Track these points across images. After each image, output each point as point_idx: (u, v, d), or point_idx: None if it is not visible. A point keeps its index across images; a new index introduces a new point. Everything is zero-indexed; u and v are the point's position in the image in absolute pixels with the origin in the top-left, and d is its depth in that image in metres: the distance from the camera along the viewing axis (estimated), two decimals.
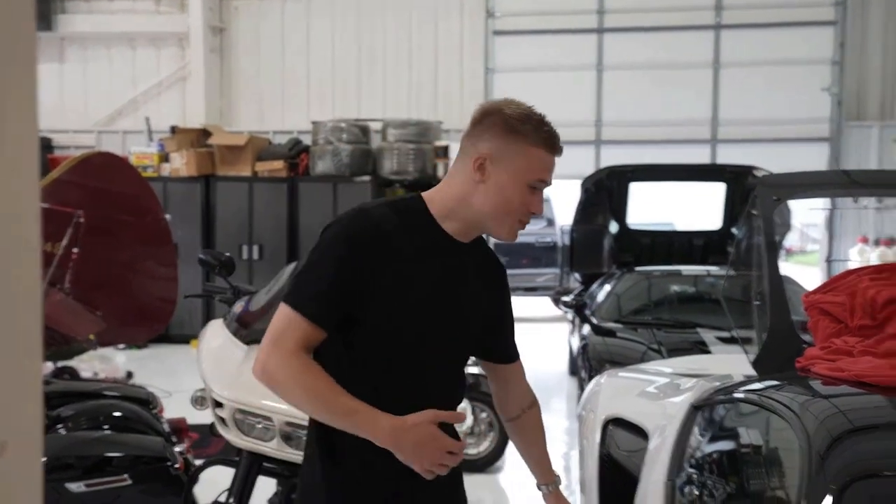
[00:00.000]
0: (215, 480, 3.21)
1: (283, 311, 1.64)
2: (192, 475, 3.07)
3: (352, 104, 10.95)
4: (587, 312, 6.26)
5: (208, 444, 5.01)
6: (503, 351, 1.90)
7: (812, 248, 20.47)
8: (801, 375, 1.98)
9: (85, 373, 6.27)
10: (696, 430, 2.18)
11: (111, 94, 11.29)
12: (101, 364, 6.92)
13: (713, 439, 2.09)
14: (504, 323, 1.88)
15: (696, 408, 2.29)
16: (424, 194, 1.77)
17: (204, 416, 3.18)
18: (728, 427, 2.09)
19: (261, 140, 10.01)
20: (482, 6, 10.92)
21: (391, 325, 1.68)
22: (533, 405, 1.95)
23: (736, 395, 2.10)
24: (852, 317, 2.12)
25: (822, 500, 1.38)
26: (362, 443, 1.64)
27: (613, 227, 7.41)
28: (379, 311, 1.67)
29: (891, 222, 9.56)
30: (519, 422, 1.95)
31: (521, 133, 1.66)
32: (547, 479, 1.94)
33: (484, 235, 1.84)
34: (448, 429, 1.72)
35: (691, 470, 2.04)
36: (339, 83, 11.15)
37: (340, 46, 11.15)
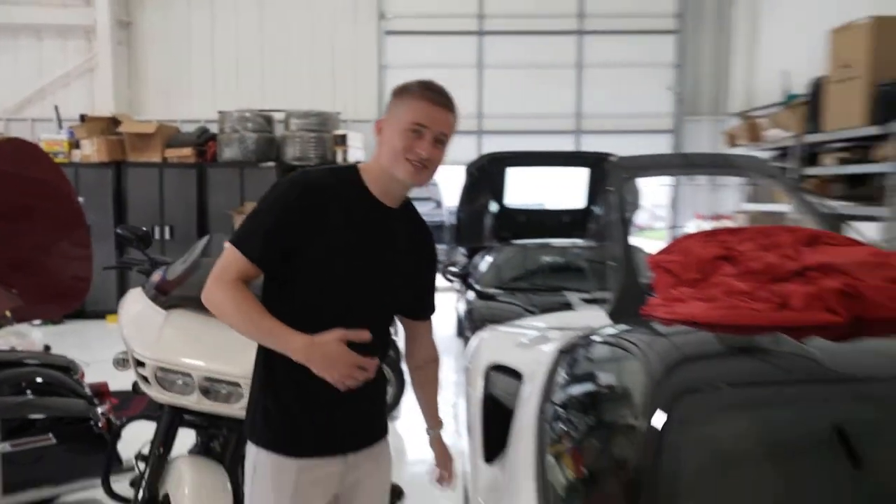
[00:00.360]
0: (137, 438, 3.14)
1: (228, 249, 1.73)
2: (115, 432, 3.00)
3: (256, 95, 10.66)
4: (471, 281, 6.42)
5: (128, 407, 4.86)
6: (419, 308, 1.98)
7: (659, 226, 21.53)
8: (646, 320, 2.13)
9: (2, 348, 5.92)
10: (561, 369, 2.32)
11: (18, 83, 10.52)
12: (17, 339, 6.52)
13: (576, 375, 2.23)
14: (425, 283, 1.95)
15: (562, 352, 2.43)
16: (359, 164, 1.84)
17: (124, 382, 3.10)
18: (588, 365, 2.24)
19: (169, 128, 9.62)
20: (375, 8, 10.84)
21: (322, 277, 1.74)
22: (435, 361, 2.04)
23: (594, 338, 2.26)
24: (685, 272, 2.29)
25: (656, 415, 1.50)
26: (297, 375, 1.71)
27: (494, 207, 7.57)
28: (312, 264, 1.73)
29: (721, 201, 10.20)
30: (421, 372, 2.04)
31: (404, 92, 1.77)
32: (434, 424, 2.06)
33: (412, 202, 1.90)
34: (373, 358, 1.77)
35: (558, 401, 2.18)
36: (244, 75, 10.83)
37: (244, 40, 10.83)
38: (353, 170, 1.82)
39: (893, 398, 1.45)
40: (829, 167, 6.74)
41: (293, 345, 1.66)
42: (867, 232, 3.21)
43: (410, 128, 1.73)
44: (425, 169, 1.75)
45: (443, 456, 2.07)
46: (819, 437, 1.46)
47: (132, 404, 4.90)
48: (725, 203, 9.97)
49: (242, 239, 1.73)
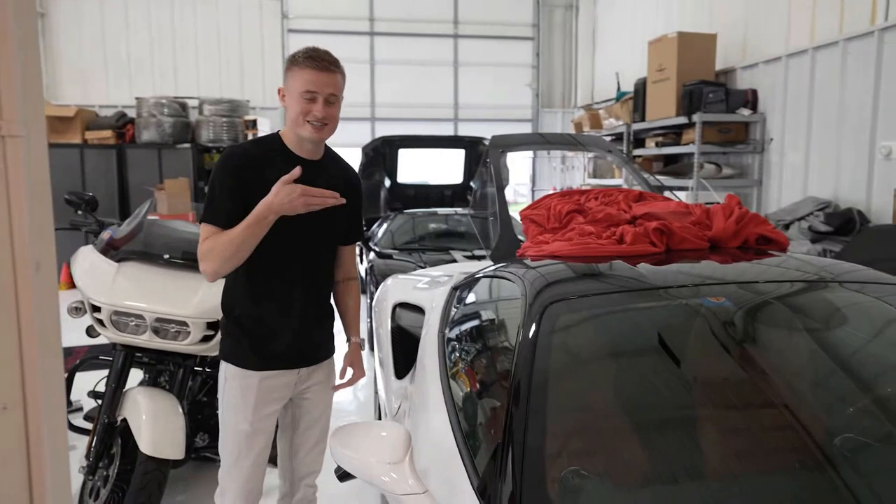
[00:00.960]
0: (83, 385, 3.05)
1: (203, 228, 1.77)
2: (67, 378, 2.90)
3: (169, 82, 10.07)
4: (371, 244, 6.48)
5: (67, 361, 4.63)
6: (346, 235, 2.02)
7: (521, 200, 22.27)
8: (520, 258, 2.32)
9: None
10: (456, 300, 2.48)
11: None
12: None
13: (467, 304, 2.39)
14: (350, 214, 1.99)
15: (454, 288, 2.59)
16: (279, 132, 1.89)
17: (67, 338, 2.98)
18: (477, 295, 2.40)
19: (88, 113, 8.92)
20: (278, 9, 10.47)
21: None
22: (354, 279, 2.10)
23: (479, 275, 2.43)
24: (548, 222, 2.51)
25: (530, 325, 1.64)
26: (257, 307, 1.81)
27: (387, 182, 7.63)
28: (255, 209, 1.77)
29: (572, 177, 10.73)
30: (341, 287, 2.08)
31: (293, 63, 1.81)
32: (353, 333, 2.10)
33: (335, 152, 1.95)
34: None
35: (453, 328, 2.32)
36: (157, 64, 10.17)
37: (156, 33, 10.14)
38: (275, 136, 1.88)
39: (694, 300, 1.72)
40: (650, 149, 7.29)
41: (265, 216, 1.70)
42: (679, 197, 3.57)
43: (304, 95, 1.77)
44: (325, 126, 1.81)
45: (355, 357, 2.06)
46: (646, 333, 1.70)
47: (69, 359, 4.67)
48: (574, 179, 10.52)
49: (209, 215, 1.77)
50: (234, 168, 1.79)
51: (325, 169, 1.92)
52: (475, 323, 2.22)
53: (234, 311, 1.89)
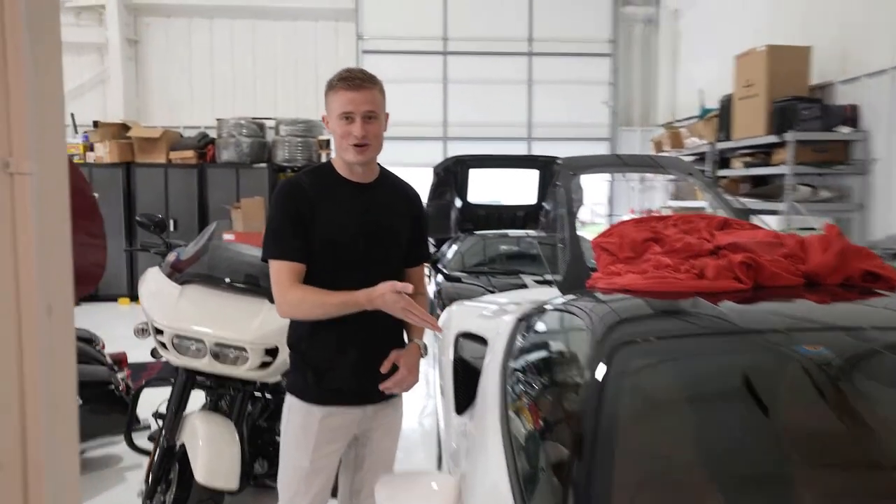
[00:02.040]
0: (151, 401, 3.13)
1: (272, 266, 1.81)
2: (135, 394, 2.98)
3: (249, 104, 10.52)
4: (440, 266, 6.45)
5: (140, 377, 4.81)
6: (409, 256, 2.00)
7: (598, 221, 21.82)
8: (589, 291, 2.19)
9: None
10: (520, 334, 2.37)
11: None
12: None
13: (532, 338, 2.28)
14: (413, 236, 1.97)
15: (520, 319, 2.49)
16: (332, 158, 1.90)
17: (136, 355, 3.06)
18: (542, 329, 2.30)
19: (173, 133, 9.45)
20: (353, 32, 10.77)
21: (328, 249, 1.82)
22: (422, 295, 2.03)
23: (548, 307, 2.31)
24: (621, 251, 2.37)
25: (598, 367, 1.54)
26: (325, 341, 1.83)
27: (458, 203, 7.61)
28: (319, 242, 1.81)
29: (650, 198, 10.40)
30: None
31: (329, 88, 1.83)
32: (415, 335, 2.00)
33: (394, 173, 1.95)
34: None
35: (517, 361, 2.22)
36: (239, 87, 10.67)
37: (238, 57, 10.65)
38: (327, 164, 1.90)
39: (787, 346, 1.54)
40: (737, 169, 6.93)
41: (361, 304, 1.74)
42: (769, 223, 3.33)
43: (341, 117, 1.78)
44: (367, 146, 1.80)
45: (409, 356, 1.92)
46: (730, 380, 1.54)
47: (143, 374, 4.86)
48: (654, 200, 10.17)
49: (276, 251, 1.80)
50: (292, 202, 1.81)
51: (381, 191, 1.91)
52: (539, 361, 2.12)
53: (298, 344, 1.91)
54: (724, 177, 7.14)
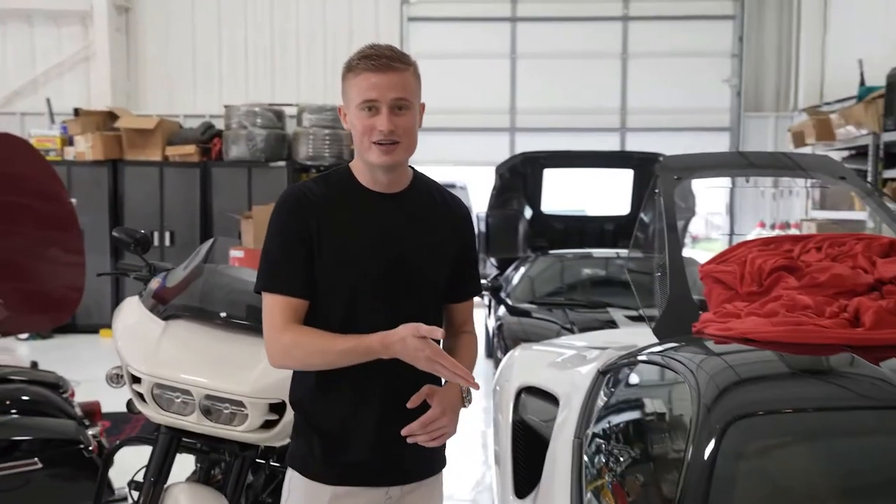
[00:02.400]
0: (131, 463, 3.18)
1: (265, 300, 1.81)
2: (107, 456, 3.03)
3: (265, 88, 10.80)
4: (502, 295, 6.41)
5: (122, 430, 4.93)
6: (453, 289, 1.94)
7: (716, 235, 21.34)
8: (696, 337, 2.13)
9: None
10: (602, 392, 2.32)
11: (7, 73, 10.76)
12: (1, 355, 6.67)
13: (617, 398, 2.23)
14: (456, 261, 1.92)
15: (602, 372, 2.43)
16: (351, 163, 1.90)
17: (117, 402, 3.13)
18: (630, 387, 2.23)
19: (171, 124, 9.78)
20: None
21: (337, 279, 1.81)
22: (469, 334, 2.00)
23: (638, 358, 2.25)
24: (742, 284, 2.30)
25: (706, 444, 1.51)
26: (336, 398, 1.81)
27: (528, 213, 7.59)
28: (327, 270, 1.80)
29: (788, 207, 10.10)
30: (448, 344, 1.97)
31: (347, 71, 1.81)
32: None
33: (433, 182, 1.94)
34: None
35: (597, 429, 2.18)
36: (252, 66, 10.97)
37: (253, 29, 10.97)
38: (344, 170, 1.89)
39: None
40: None
41: (375, 351, 1.72)
42: None
43: (362, 107, 1.76)
44: (395, 144, 1.77)
45: (446, 396, 1.82)
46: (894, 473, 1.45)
47: (126, 427, 4.97)
48: (792, 210, 9.88)
49: (270, 282, 1.81)
50: (294, 218, 1.80)
51: (414, 203, 1.87)
52: (627, 430, 2.07)
53: (302, 402, 1.89)
54: (892, 179, 6.87)
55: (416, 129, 1.81)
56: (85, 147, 9.19)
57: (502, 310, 6.12)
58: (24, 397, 3.54)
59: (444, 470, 2.00)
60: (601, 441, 2.11)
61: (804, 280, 2.15)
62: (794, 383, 1.68)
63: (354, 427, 1.83)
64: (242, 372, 2.50)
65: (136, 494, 2.73)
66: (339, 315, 1.80)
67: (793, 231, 9.03)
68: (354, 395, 1.82)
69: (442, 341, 1.94)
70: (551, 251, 6.95)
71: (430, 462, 1.95)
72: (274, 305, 1.79)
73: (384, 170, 1.81)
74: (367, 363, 1.78)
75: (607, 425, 2.16)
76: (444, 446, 1.95)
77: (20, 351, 7.85)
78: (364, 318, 1.80)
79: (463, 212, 1.96)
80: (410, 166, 1.92)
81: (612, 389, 2.28)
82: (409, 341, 1.68)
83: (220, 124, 9.70)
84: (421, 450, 1.86)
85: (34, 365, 6.63)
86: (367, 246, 1.81)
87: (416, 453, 1.87)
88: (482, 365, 7.66)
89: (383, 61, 1.75)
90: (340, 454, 1.84)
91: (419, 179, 1.92)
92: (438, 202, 1.92)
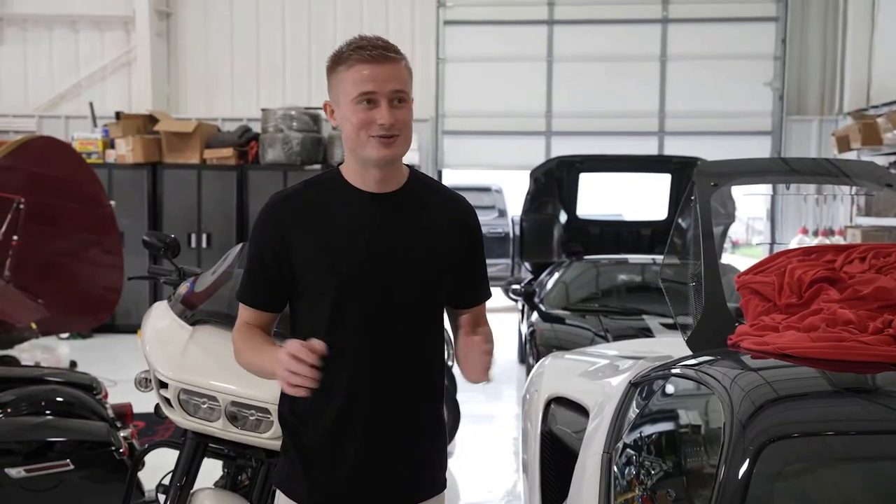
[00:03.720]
0: (163, 465, 3.20)
1: (239, 309, 1.85)
2: (137, 459, 3.05)
3: (302, 91, 10.87)
4: (536, 300, 6.36)
5: (154, 432, 4.98)
6: (460, 294, 1.84)
7: (757, 241, 21.03)
8: (732, 351, 2.07)
9: (26, 363, 6.17)
10: (633, 404, 2.26)
11: (52, 77, 11.02)
12: (42, 353, 6.81)
13: (648, 412, 2.17)
14: (463, 271, 1.82)
15: (633, 384, 2.37)
16: (341, 165, 1.81)
17: (151, 404, 3.15)
18: (662, 401, 2.18)
19: (209, 127, 9.90)
20: None
21: (325, 290, 1.72)
22: (486, 326, 1.86)
23: (671, 371, 2.19)
24: (780, 296, 2.22)
25: (740, 465, 1.46)
26: (318, 415, 1.75)
27: (563, 217, 7.52)
28: (309, 280, 1.73)
29: (829, 213, 9.88)
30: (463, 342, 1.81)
31: (338, 62, 1.72)
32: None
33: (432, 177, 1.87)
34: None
35: (627, 442, 2.12)
36: (290, 70, 11.06)
37: (290, 32, 11.06)
38: (333, 173, 1.79)
39: None
40: None
41: (269, 370, 1.70)
42: None
43: (359, 100, 1.67)
44: (394, 137, 1.68)
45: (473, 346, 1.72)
46: None
47: (159, 429, 5.02)
48: (836, 216, 9.65)
49: (241, 290, 1.83)
50: (277, 223, 1.74)
51: (410, 203, 1.76)
52: (658, 444, 2.01)
53: (286, 420, 1.83)
54: None
55: (411, 122, 1.73)
56: (125, 150, 9.34)
57: (535, 315, 6.07)
58: (59, 399, 3.58)
59: (444, 492, 1.90)
60: (631, 454, 2.06)
61: (846, 293, 2.08)
62: (835, 403, 1.62)
63: (333, 453, 1.74)
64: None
65: (163, 498, 2.74)
66: (325, 318, 1.71)
67: (836, 238, 8.83)
68: (338, 418, 1.73)
69: (456, 342, 1.86)
70: (586, 256, 6.88)
71: (425, 486, 1.84)
72: (242, 313, 1.83)
73: (381, 165, 1.70)
74: (358, 381, 1.72)
75: (638, 439, 2.11)
76: (437, 467, 1.87)
77: (60, 350, 8.01)
78: (350, 323, 1.71)
79: (466, 212, 1.83)
80: (408, 165, 1.83)
81: (644, 402, 2.22)
82: (283, 358, 1.56)
83: (257, 128, 9.80)
84: (408, 474, 1.79)
85: (73, 364, 6.76)
86: (352, 248, 1.71)
87: (403, 478, 1.79)
88: (514, 371, 7.60)
89: (378, 52, 1.68)
90: (322, 475, 1.76)
91: (416, 178, 1.81)
92: (436, 202, 1.81)
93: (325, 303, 1.71)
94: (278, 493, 1.85)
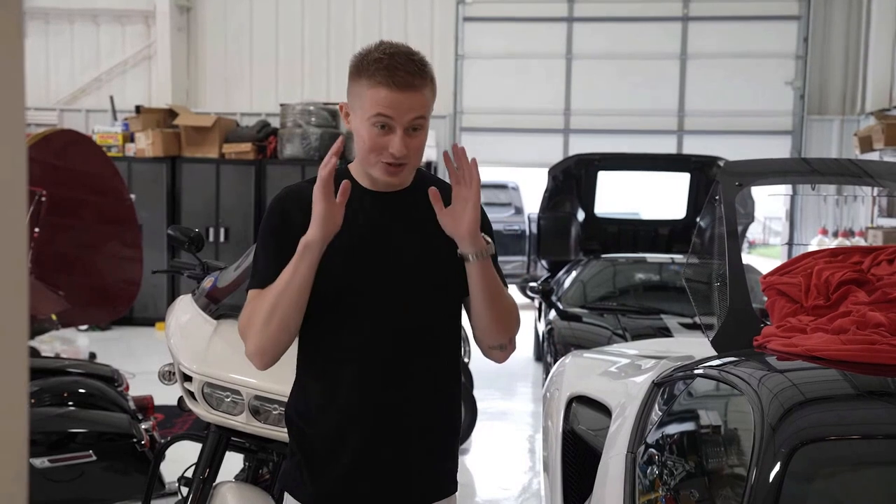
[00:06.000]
0: (183, 458, 3.22)
1: (249, 294, 1.73)
2: (159, 451, 3.07)
3: (321, 87, 10.89)
4: (553, 298, 6.34)
5: (174, 424, 5.01)
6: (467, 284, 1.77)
7: (774, 241, 20.88)
8: (758, 352, 2.05)
9: (46, 354, 6.22)
10: (656, 405, 2.25)
11: (74, 71, 11.08)
12: (62, 345, 6.85)
13: (672, 413, 2.15)
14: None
15: (657, 384, 2.36)
16: (350, 164, 1.80)
17: (170, 396, 3.18)
18: (687, 401, 2.16)
19: (228, 122, 9.93)
20: None
21: (333, 286, 1.69)
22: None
23: (696, 371, 2.18)
24: (807, 297, 2.20)
25: (771, 468, 1.44)
26: (323, 412, 1.73)
27: (580, 215, 7.50)
28: (315, 276, 1.66)
29: (849, 214, 9.79)
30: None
31: (359, 73, 1.67)
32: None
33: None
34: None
35: (651, 442, 2.11)
36: (308, 66, 11.07)
37: (309, 28, 11.07)
38: (342, 169, 1.76)
39: None
40: None
41: (310, 247, 1.61)
42: None
43: (374, 121, 1.63)
44: (403, 166, 1.66)
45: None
46: None
47: (178, 421, 5.05)
48: (857, 217, 9.56)
49: (255, 279, 1.73)
50: (286, 216, 1.72)
51: (414, 202, 1.74)
52: (682, 445, 1.99)
53: (293, 421, 1.80)
54: None
55: (423, 145, 1.70)
56: (145, 144, 9.39)
57: (553, 314, 6.05)
58: (81, 390, 3.61)
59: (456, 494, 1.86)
60: (655, 454, 2.05)
61: (875, 295, 2.05)
62: (865, 406, 1.59)
63: (337, 452, 1.72)
64: (292, 372, 2.50)
65: (185, 490, 2.76)
66: (332, 315, 1.70)
67: (857, 239, 8.74)
68: (343, 417, 1.71)
69: (482, 346, 1.84)
70: (604, 255, 6.85)
71: (434, 488, 1.80)
72: (249, 300, 1.71)
73: (385, 184, 1.72)
74: (360, 379, 1.70)
75: (662, 439, 2.09)
76: (451, 471, 1.84)
77: (79, 342, 8.06)
78: (357, 320, 1.70)
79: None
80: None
81: (668, 402, 2.21)
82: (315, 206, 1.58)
83: (275, 123, 9.82)
84: (416, 472, 1.76)
85: (92, 356, 6.81)
86: (356, 244, 1.70)
87: (419, 479, 1.77)
88: (531, 368, 7.59)
89: (404, 78, 1.61)
90: (326, 477, 1.73)
91: (423, 177, 1.79)
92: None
93: (331, 299, 1.69)
94: (286, 494, 1.83)
